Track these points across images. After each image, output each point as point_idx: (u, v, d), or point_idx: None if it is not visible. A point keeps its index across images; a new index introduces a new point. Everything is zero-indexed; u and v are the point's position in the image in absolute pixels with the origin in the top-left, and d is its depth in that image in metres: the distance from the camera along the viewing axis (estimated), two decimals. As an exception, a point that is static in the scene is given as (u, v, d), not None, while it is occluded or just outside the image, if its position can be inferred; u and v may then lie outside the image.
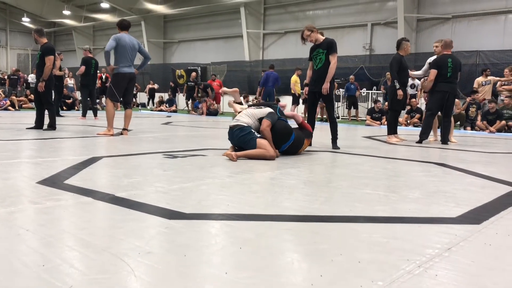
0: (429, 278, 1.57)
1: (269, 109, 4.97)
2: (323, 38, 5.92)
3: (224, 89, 6.42)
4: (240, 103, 5.62)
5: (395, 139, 7.27)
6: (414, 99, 11.90)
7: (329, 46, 5.77)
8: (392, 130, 7.39)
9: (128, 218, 2.23)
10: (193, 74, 17.53)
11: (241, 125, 4.75)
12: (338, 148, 5.84)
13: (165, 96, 18.94)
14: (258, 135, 4.69)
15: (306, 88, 6.23)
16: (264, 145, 4.60)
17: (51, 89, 7.63)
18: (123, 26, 6.96)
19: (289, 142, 4.92)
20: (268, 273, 1.57)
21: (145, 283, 1.46)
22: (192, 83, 17.42)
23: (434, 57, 7.46)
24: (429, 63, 7.42)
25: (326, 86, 5.80)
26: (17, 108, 15.18)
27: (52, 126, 7.43)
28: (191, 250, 1.78)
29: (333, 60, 5.77)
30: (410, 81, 10.18)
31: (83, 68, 11.15)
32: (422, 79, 8.65)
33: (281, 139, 4.85)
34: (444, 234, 2.11)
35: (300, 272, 1.62)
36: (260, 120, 4.83)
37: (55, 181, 3.07)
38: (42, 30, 7.70)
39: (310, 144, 5.59)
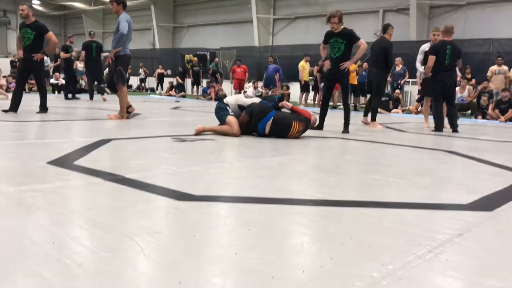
0: (440, 263, 1.55)
1: (253, 100, 5.24)
2: (342, 27, 6.03)
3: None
4: None
5: (380, 126, 7.32)
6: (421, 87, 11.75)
7: (350, 37, 6.03)
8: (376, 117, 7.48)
9: (137, 199, 2.23)
10: (195, 59, 17.59)
11: (223, 101, 5.35)
12: (348, 133, 5.95)
13: (174, 81, 18.89)
14: (231, 113, 5.10)
15: (321, 63, 6.37)
16: (232, 123, 5.00)
17: (43, 71, 7.46)
18: (125, 5, 6.53)
19: (266, 118, 4.91)
20: (278, 254, 1.56)
21: (154, 262, 1.46)
22: (198, 68, 17.39)
23: (427, 44, 7.35)
24: (425, 52, 7.29)
25: (347, 64, 6.03)
26: (26, 91, 15.23)
27: (44, 108, 7.16)
28: (200, 231, 1.77)
29: (363, 43, 6.07)
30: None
31: (83, 53, 11.13)
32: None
33: (256, 118, 4.97)
34: (455, 220, 2.08)
35: (309, 254, 1.61)
36: (240, 106, 5.19)
37: (64, 162, 3.08)
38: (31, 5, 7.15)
39: (305, 130, 5.19)
